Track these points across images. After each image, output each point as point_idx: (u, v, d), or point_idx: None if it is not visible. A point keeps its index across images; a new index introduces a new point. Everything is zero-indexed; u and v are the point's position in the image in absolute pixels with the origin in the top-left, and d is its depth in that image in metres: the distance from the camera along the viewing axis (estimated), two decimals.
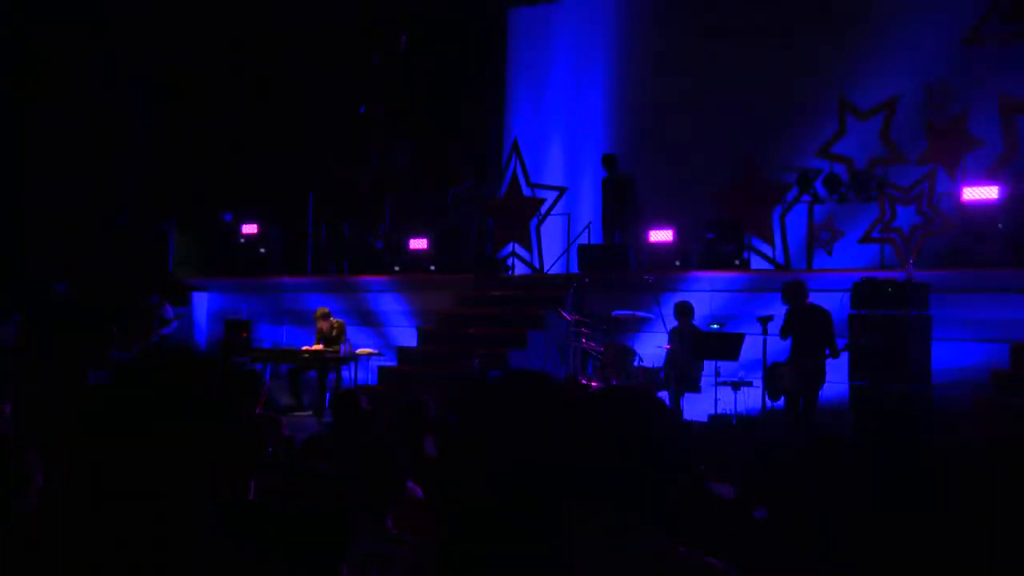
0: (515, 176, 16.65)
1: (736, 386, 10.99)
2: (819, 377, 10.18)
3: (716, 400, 10.96)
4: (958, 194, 12.32)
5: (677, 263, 13.28)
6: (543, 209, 16.29)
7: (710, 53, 14.40)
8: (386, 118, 17.22)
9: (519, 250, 16.33)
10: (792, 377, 10.25)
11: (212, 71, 17.22)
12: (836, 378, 10.42)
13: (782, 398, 10.50)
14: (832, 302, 10.71)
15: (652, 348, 11.74)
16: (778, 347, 10.57)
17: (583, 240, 14.05)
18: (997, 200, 11.66)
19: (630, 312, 12.00)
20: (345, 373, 13.17)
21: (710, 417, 10.84)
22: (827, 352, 10.25)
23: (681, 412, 10.81)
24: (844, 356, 10.40)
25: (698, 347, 11.13)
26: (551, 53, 16.27)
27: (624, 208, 13.78)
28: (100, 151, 16.65)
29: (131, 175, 17.16)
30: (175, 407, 1.46)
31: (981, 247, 11.57)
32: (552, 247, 15.77)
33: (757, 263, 13.87)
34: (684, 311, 11.37)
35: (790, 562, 2.88)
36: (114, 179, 16.86)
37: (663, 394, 10.80)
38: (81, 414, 1.46)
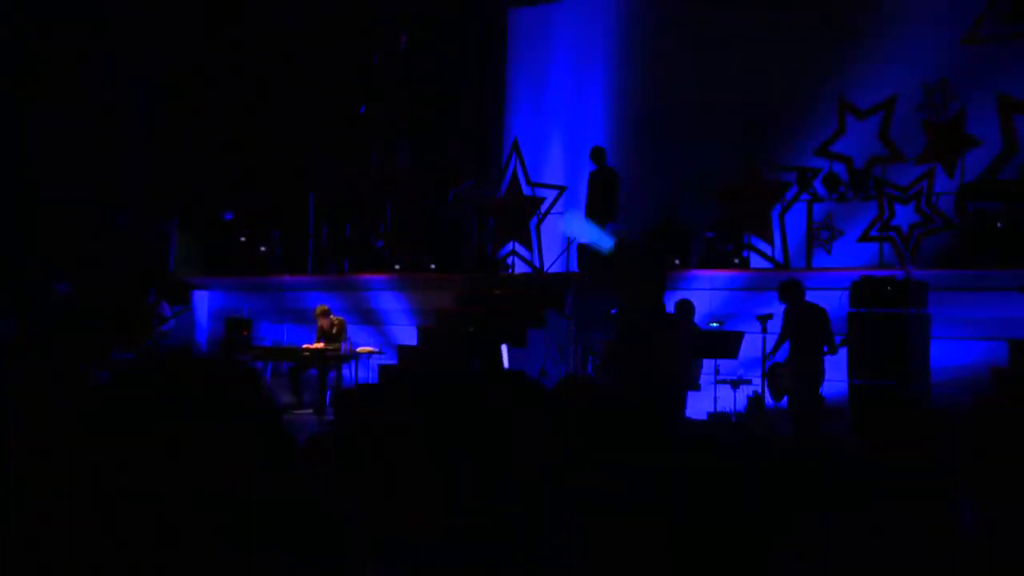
0: (515, 175, 16.67)
1: (735, 384, 11.01)
2: (818, 376, 10.18)
3: (715, 398, 10.99)
4: (956, 193, 12.34)
5: (676, 262, 13.29)
6: (543, 208, 16.31)
7: (710, 53, 14.40)
8: (386, 118, 17.23)
9: (519, 249, 16.35)
10: (791, 377, 10.27)
11: (212, 71, 17.23)
12: (835, 377, 10.44)
13: (785, 397, 10.53)
14: (831, 301, 10.71)
15: None
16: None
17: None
18: (995, 199, 11.69)
19: None
20: (345, 371, 13.19)
21: (709, 415, 10.87)
22: (825, 350, 10.25)
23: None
24: (844, 355, 10.41)
25: (698, 345, 11.14)
26: (551, 53, 16.28)
27: (611, 202, 13.57)
28: (100, 151, 16.67)
29: (131, 175, 17.17)
30: (175, 407, 1.48)
31: (979, 246, 11.60)
32: (552, 246, 15.78)
33: (756, 262, 13.88)
34: (684, 309, 11.38)
35: (783, 560, 2.90)
36: (114, 179, 16.88)
37: None
38: (81, 414, 1.47)
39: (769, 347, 10.42)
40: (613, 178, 13.45)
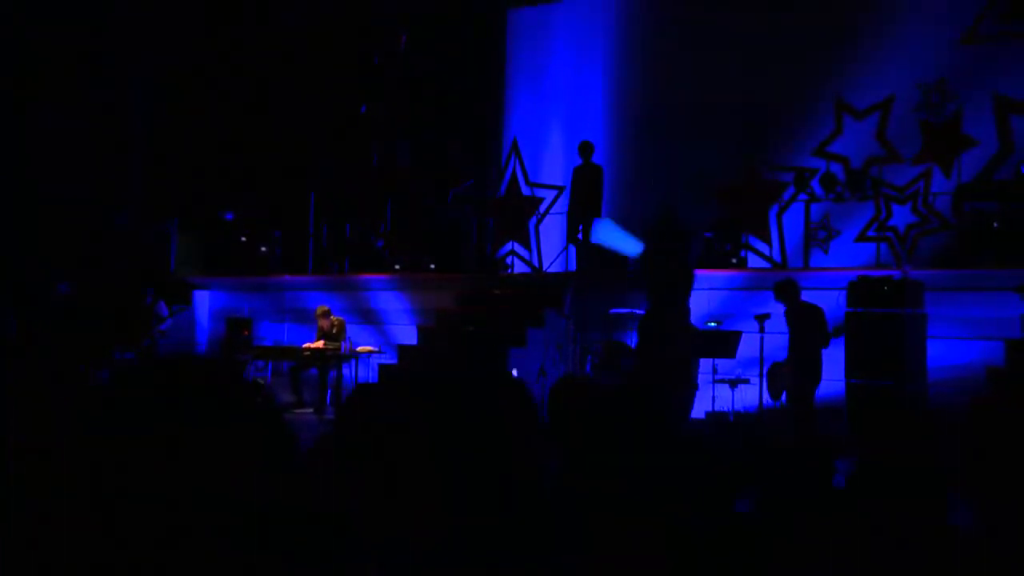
0: (514, 175, 16.67)
1: (733, 384, 11.02)
2: (815, 376, 10.18)
3: (713, 398, 11.00)
4: (953, 193, 12.36)
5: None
6: (542, 208, 16.31)
7: (708, 54, 14.41)
8: (386, 118, 17.23)
9: (518, 249, 16.35)
10: (789, 376, 10.28)
11: (212, 71, 17.23)
12: (833, 376, 10.45)
13: (783, 397, 10.55)
14: (828, 300, 10.72)
15: None
16: (775, 345, 10.60)
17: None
18: (992, 199, 11.71)
19: (628, 310, 12.03)
20: (346, 371, 13.20)
21: (707, 415, 10.88)
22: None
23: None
24: (841, 355, 10.41)
25: (696, 345, 11.15)
26: (551, 53, 16.28)
27: (597, 198, 13.45)
28: (100, 151, 16.67)
29: (131, 175, 17.17)
30: (176, 407, 1.49)
31: (976, 246, 11.61)
32: (551, 246, 15.79)
33: (754, 262, 13.89)
34: None
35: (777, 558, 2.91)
36: (114, 179, 16.88)
37: None
38: (81, 414, 1.48)
39: (768, 347, 10.42)
40: (598, 174, 13.37)
